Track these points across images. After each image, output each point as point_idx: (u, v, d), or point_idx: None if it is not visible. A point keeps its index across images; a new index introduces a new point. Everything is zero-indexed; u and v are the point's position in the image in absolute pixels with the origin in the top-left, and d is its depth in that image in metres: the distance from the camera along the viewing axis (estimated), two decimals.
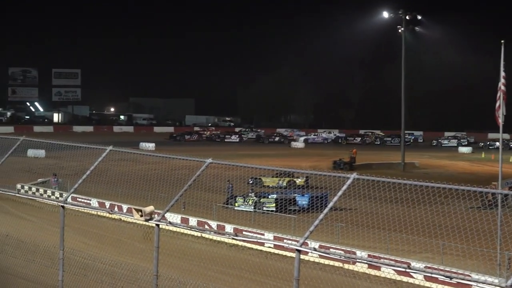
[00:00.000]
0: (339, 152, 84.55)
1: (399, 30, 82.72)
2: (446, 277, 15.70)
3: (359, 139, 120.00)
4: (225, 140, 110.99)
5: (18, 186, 39.61)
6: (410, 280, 26.91)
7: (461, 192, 16.85)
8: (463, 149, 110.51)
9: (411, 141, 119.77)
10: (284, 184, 47.62)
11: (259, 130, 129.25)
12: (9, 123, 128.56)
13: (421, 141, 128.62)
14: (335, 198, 14.79)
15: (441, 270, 22.84)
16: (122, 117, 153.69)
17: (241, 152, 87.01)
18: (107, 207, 29.70)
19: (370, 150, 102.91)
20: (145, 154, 39.72)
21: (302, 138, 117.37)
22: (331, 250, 21.32)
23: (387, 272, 26.91)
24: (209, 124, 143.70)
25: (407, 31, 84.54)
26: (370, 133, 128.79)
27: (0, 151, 22.02)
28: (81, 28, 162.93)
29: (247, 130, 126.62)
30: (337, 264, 26.25)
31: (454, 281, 21.79)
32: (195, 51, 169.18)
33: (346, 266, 26.44)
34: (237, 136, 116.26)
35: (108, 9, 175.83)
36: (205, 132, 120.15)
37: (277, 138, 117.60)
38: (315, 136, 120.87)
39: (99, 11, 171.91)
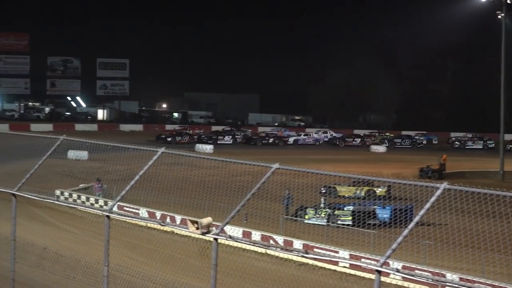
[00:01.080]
0: (427, 158, 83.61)
1: (499, 16, 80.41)
2: None
3: (358, 140, 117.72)
4: (218, 142, 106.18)
5: (57, 192, 40.05)
6: None
7: None
8: None
9: (424, 142, 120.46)
10: (362, 194, 47.36)
11: (246, 130, 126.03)
12: (47, 120, 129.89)
13: (436, 142, 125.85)
14: (422, 212, 14.73)
15: None
16: (175, 114, 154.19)
17: (311, 157, 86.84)
18: (158, 218, 29.96)
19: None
20: (201, 157, 39.78)
21: (292, 139, 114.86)
22: (416, 271, 21.18)
23: None
24: (276, 124, 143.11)
25: (508, 17, 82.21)
26: (376, 134, 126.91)
27: (38, 152, 22.33)
28: (130, 14, 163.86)
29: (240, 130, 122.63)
30: None
31: None
32: (260, 41, 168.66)
33: None
34: (230, 137, 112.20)
35: None
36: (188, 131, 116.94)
37: (270, 140, 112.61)
38: (306, 137, 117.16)
39: None
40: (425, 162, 76.55)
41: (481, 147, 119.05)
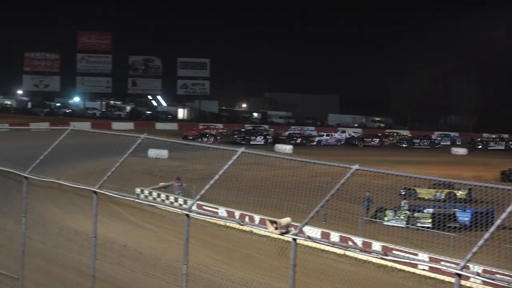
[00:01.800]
0: (508, 161, 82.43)
1: None
2: None
3: (377, 140, 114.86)
4: (250, 143, 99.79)
5: (138, 190, 40.43)
6: None
7: None
8: None
9: (439, 143, 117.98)
10: (443, 196, 47.02)
11: (268, 130, 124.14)
12: (128, 119, 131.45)
13: (459, 143, 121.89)
14: (504, 215, 14.57)
15: None
16: (255, 114, 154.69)
17: (390, 158, 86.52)
18: (237, 217, 30.09)
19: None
20: (280, 157, 39.81)
21: (317, 139, 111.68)
22: (497, 275, 20.96)
23: None
24: (356, 125, 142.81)
25: None
26: (394, 133, 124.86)
27: (119, 150, 22.56)
28: (211, 13, 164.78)
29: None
30: None
31: None
32: (340, 42, 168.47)
33: None
34: (262, 137, 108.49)
35: None
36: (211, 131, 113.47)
37: (298, 140, 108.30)
38: (328, 137, 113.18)
39: None
40: (507, 166, 75.56)
41: (503, 147, 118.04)
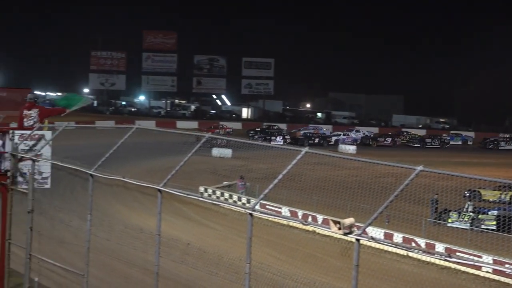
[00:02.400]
0: None
1: None
2: None
3: (389, 140, 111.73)
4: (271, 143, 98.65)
5: (201, 189, 40.53)
6: None
7: None
8: None
9: (449, 142, 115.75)
10: (507, 199, 46.57)
11: (282, 129, 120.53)
12: (193, 118, 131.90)
13: (471, 143, 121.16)
14: None
15: None
16: (319, 114, 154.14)
17: (456, 160, 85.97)
18: (300, 217, 30.10)
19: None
20: (344, 157, 39.65)
21: (334, 138, 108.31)
22: None
23: None
24: (420, 126, 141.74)
25: None
26: (405, 133, 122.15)
27: (183, 149, 22.66)
28: (276, 13, 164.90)
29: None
30: None
31: None
32: (405, 42, 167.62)
33: None
34: (281, 137, 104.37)
35: None
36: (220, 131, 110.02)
37: (316, 140, 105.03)
38: (345, 137, 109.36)
39: None
40: None
41: None
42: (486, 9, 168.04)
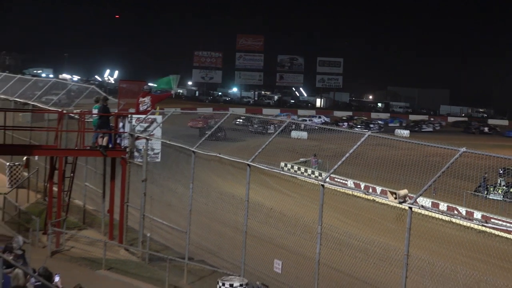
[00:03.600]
0: None
1: None
2: None
3: (346, 124, 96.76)
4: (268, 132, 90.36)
5: (282, 164, 40.65)
6: None
7: None
8: None
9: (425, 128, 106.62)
10: None
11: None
12: (276, 106, 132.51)
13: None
14: None
15: None
16: (379, 104, 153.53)
17: (494, 143, 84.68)
18: (362, 188, 29.93)
19: None
20: (401, 140, 39.50)
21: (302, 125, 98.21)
22: None
23: None
24: (463, 115, 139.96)
25: None
26: (357, 118, 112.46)
27: (267, 132, 22.91)
28: (345, 20, 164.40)
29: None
30: None
31: None
32: (449, 42, 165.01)
33: None
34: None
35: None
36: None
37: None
38: (310, 122, 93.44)
39: (362, 5, 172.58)
40: None
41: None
42: None
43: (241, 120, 68.86)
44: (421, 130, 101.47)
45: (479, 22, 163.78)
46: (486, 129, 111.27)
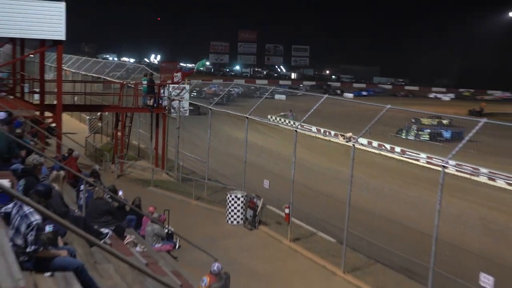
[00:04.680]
0: (472, 104, 79.18)
1: None
2: None
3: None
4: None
5: (269, 116, 40.75)
6: None
7: None
8: None
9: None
10: (435, 123, 46.12)
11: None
12: (264, 78, 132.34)
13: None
14: (470, 134, 14.29)
15: None
16: (333, 76, 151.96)
17: (408, 102, 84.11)
18: (322, 132, 29.94)
19: None
20: (347, 100, 39.62)
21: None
22: (464, 166, 20.44)
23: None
24: (388, 83, 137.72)
25: None
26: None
27: (260, 96, 22.82)
28: (313, 16, 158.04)
29: None
30: (469, 177, 24.85)
31: None
32: (383, 29, 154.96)
33: (472, 178, 24.72)
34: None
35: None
36: None
37: None
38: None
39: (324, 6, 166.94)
40: (472, 107, 73.60)
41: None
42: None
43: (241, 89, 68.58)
44: (361, 94, 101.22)
45: (406, 14, 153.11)
46: (402, 93, 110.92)
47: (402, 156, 27.76)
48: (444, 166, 13.69)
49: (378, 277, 15.66)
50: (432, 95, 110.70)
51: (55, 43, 21.22)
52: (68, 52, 46.44)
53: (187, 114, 28.58)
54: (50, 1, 20.31)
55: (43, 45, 22.63)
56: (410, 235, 17.21)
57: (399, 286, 15.16)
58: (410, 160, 26.70)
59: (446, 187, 13.67)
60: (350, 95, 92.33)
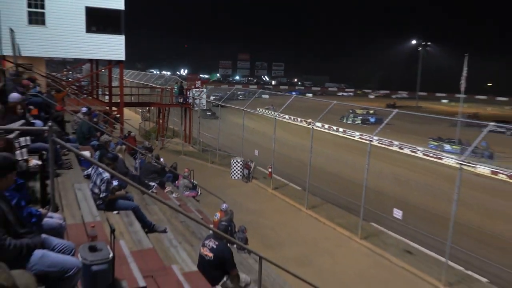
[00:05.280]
0: (389, 100, 78.72)
1: None
2: None
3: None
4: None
5: (258, 109, 40.31)
6: None
7: None
8: None
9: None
10: (365, 112, 45.84)
11: None
12: (254, 84, 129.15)
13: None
14: (387, 120, 14.17)
15: None
16: (299, 82, 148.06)
17: (351, 99, 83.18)
18: (292, 119, 29.65)
19: None
20: (309, 98, 38.94)
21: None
22: (384, 139, 20.38)
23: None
24: (335, 88, 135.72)
25: None
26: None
27: (249, 97, 22.46)
28: (287, 40, 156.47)
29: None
30: (387, 147, 24.74)
31: None
32: (333, 44, 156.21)
33: (388, 148, 24.63)
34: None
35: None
36: None
37: None
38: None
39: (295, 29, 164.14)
40: (388, 101, 73.25)
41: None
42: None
43: (242, 92, 67.72)
44: (318, 94, 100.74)
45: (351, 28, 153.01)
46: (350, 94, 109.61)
47: (344, 134, 27.69)
48: (370, 140, 13.68)
49: (329, 212, 15.78)
50: (340, 94, 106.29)
51: (118, 62, 21.19)
52: (127, 68, 45.92)
53: (204, 107, 28.25)
54: (114, 35, 20.38)
55: (110, 63, 22.52)
56: (349, 185, 17.28)
57: (342, 218, 15.29)
58: (349, 137, 26.67)
59: (372, 154, 13.70)
60: (310, 95, 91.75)
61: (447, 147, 27.06)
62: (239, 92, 62.05)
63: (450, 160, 16.65)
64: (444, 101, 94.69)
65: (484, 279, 10.76)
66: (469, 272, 11.10)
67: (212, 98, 30.94)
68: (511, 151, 22.03)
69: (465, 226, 12.11)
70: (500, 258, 10.79)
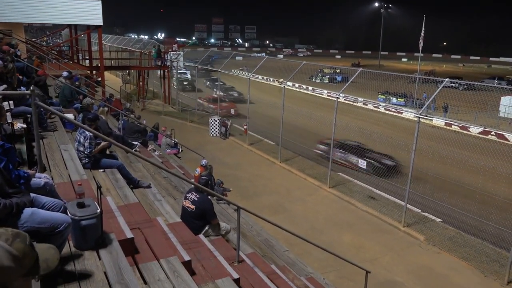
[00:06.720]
0: (354, 59, 78.31)
1: None
2: None
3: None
4: None
5: (232, 70, 39.64)
6: None
7: None
8: None
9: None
10: (332, 72, 45.42)
11: None
12: (228, 47, 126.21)
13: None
14: (351, 79, 14.18)
15: None
16: (271, 45, 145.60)
17: (320, 59, 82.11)
18: (265, 79, 29.43)
19: None
20: (280, 59, 38.35)
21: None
22: (349, 96, 20.49)
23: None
24: (304, 49, 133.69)
25: None
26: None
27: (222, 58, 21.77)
28: (257, 5, 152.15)
29: None
30: (352, 103, 24.83)
31: None
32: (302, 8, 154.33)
33: (354, 104, 24.70)
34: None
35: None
36: None
37: None
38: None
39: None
40: (355, 60, 73.09)
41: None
42: None
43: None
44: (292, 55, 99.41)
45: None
46: (309, 53, 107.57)
47: (313, 92, 27.72)
48: (337, 97, 13.76)
49: (300, 164, 16.05)
50: (300, 54, 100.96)
51: (96, 27, 20.42)
52: (106, 33, 43.77)
53: (182, 69, 27.57)
54: (91, 0, 19.86)
55: (89, 28, 21.66)
56: (319, 139, 17.50)
57: (312, 169, 15.59)
58: (318, 94, 26.71)
59: (338, 110, 13.81)
60: (281, 56, 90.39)
61: (393, 99, 27.67)
62: (215, 57, 60.41)
63: (409, 114, 17.01)
64: (404, 59, 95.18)
65: (438, 219, 11.36)
66: (425, 214, 11.69)
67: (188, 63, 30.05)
68: (464, 105, 22.66)
69: (422, 172, 12.58)
70: (452, 200, 11.35)
